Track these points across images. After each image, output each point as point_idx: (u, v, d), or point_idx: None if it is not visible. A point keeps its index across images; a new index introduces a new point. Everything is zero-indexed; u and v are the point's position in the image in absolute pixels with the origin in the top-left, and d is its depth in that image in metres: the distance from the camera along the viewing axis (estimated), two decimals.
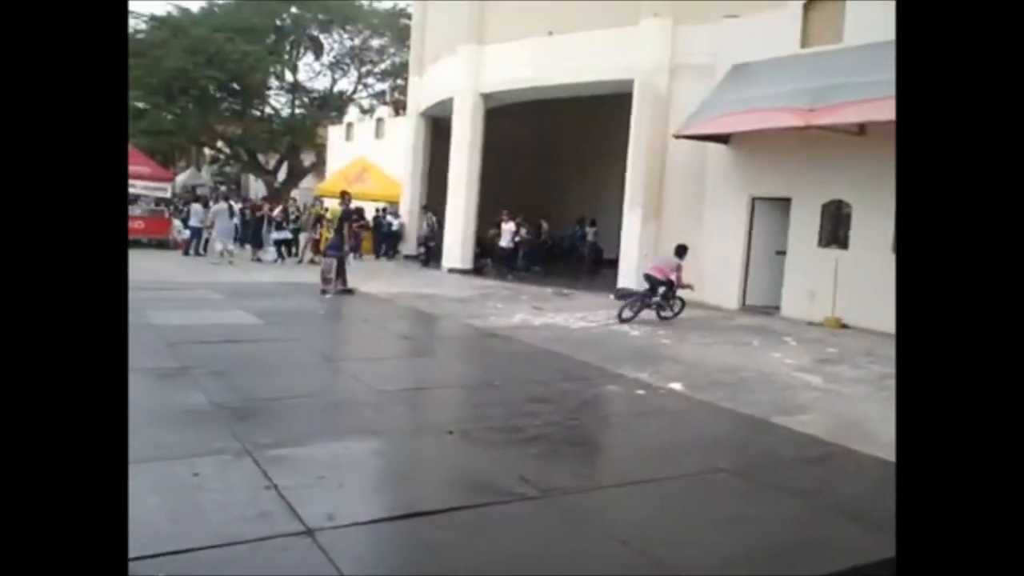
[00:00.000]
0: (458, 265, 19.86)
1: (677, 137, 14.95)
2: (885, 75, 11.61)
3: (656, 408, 6.47)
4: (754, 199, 14.70)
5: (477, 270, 19.80)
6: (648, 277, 12.57)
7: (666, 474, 4.71)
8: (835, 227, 13.58)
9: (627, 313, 12.22)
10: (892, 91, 11.25)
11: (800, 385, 8.02)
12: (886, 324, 12.07)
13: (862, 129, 12.66)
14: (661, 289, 12.36)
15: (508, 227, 19.99)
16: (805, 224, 13.77)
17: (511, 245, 19.97)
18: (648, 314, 12.32)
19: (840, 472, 4.91)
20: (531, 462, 4.77)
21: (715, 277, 15.11)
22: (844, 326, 12.64)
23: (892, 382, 8.21)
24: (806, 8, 13.81)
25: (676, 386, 7.66)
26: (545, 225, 23.54)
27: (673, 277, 12.35)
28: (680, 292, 12.58)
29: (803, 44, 13.83)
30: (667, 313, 12.47)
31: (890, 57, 11.18)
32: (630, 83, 16.01)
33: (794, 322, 13.10)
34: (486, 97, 19.64)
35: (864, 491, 4.51)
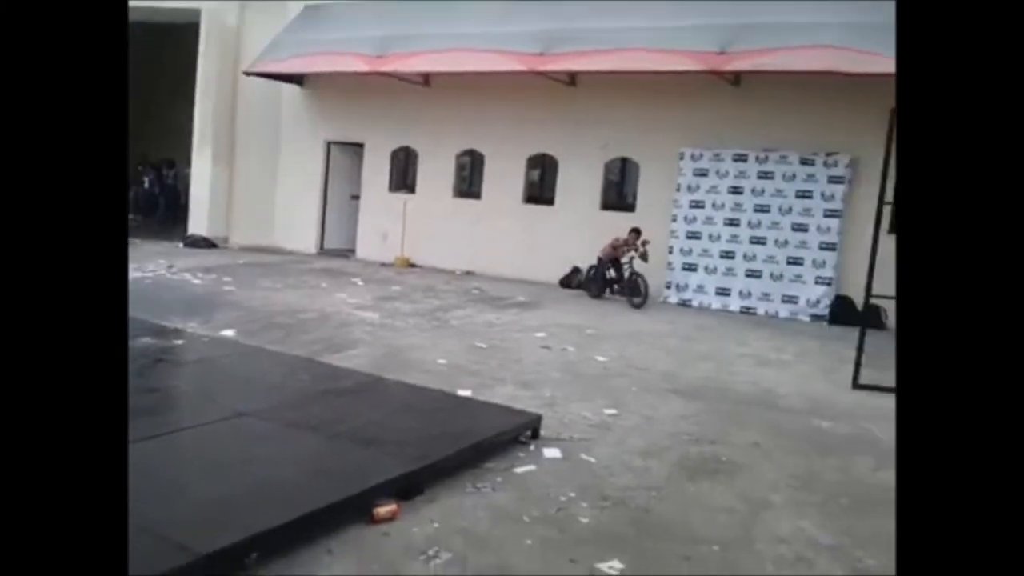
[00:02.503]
0: None
1: (248, 75, 14.08)
2: (446, 29, 12.32)
3: (195, 358, 5.96)
4: (330, 143, 14.62)
5: None
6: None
7: (184, 425, 4.30)
8: (404, 173, 14.19)
9: (593, 289, 11.21)
10: (453, 44, 12.15)
11: (357, 322, 8.17)
12: (447, 262, 13.10)
13: (427, 80, 13.31)
14: (609, 271, 11.05)
15: None
16: (377, 169, 14.14)
17: None
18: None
19: (365, 401, 5.01)
20: None
21: (293, 222, 14.79)
22: (412, 265, 13.37)
23: (443, 314, 8.86)
24: None
25: (228, 333, 7.21)
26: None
27: (610, 254, 10.95)
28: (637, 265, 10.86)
29: None
30: (636, 299, 10.49)
31: (452, 10, 11.66)
32: (197, 13, 14.57)
33: (368, 263, 13.45)
34: None
35: (381, 418, 4.65)
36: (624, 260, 10.74)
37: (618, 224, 11.94)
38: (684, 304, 10.93)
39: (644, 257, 10.60)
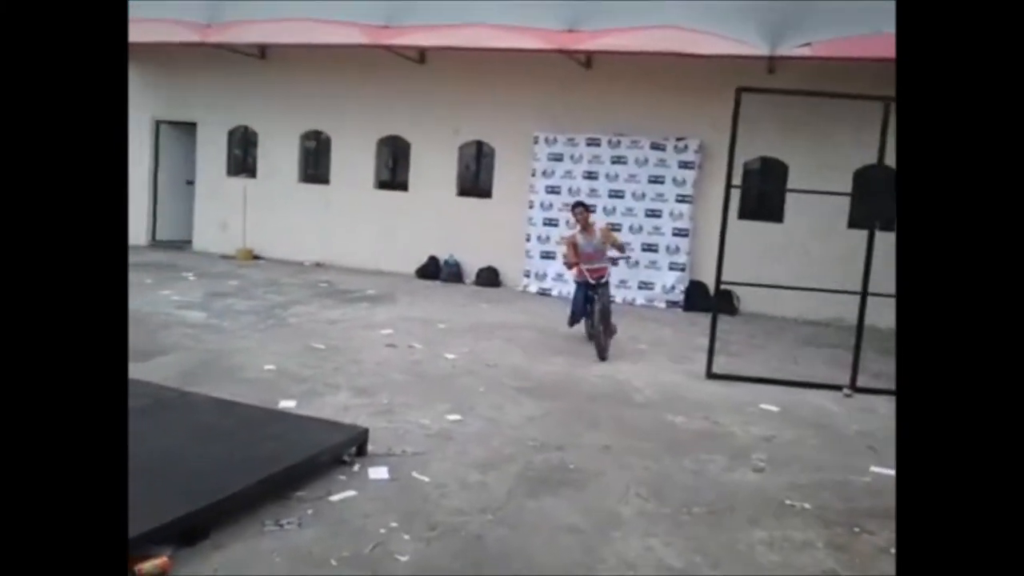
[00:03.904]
0: None
1: None
2: None
3: None
4: (158, 122, 13.23)
5: None
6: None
7: None
8: (244, 155, 13.05)
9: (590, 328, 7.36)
10: (290, 13, 11.13)
11: (177, 323, 7.22)
12: (296, 253, 12.16)
13: (263, 52, 12.25)
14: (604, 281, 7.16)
15: None
16: (213, 151, 12.91)
17: None
18: None
19: (158, 423, 4.19)
20: None
21: None
22: (256, 257, 12.32)
23: (282, 311, 8.05)
24: None
25: None
26: None
27: (588, 272, 7.15)
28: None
29: None
30: (604, 343, 6.95)
31: None
32: None
33: (205, 255, 12.26)
34: None
35: (173, 444, 3.89)
36: (604, 276, 7.19)
37: (476, 211, 11.46)
38: (543, 293, 10.60)
39: (620, 249, 7.50)
